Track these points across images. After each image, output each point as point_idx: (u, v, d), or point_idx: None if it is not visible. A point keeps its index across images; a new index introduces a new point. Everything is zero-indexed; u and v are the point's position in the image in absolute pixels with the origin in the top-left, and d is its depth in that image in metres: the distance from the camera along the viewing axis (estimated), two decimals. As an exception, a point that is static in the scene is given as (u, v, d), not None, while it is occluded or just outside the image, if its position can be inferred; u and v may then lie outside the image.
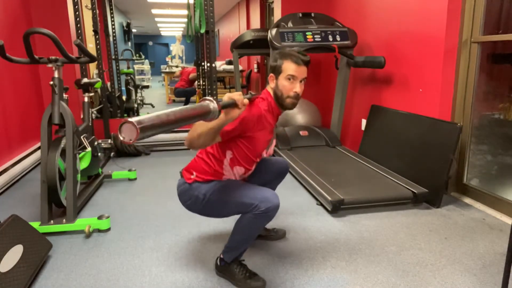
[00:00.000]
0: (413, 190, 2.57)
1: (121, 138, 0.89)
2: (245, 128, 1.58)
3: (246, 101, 1.36)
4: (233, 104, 1.34)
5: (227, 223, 2.30)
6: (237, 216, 1.68)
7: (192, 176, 1.69)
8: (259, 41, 4.33)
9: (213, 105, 1.17)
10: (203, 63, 5.77)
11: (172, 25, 15.04)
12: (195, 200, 1.68)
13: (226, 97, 1.34)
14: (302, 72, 1.65)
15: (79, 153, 2.67)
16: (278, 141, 3.69)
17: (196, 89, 6.78)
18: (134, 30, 14.31)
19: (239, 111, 1.35)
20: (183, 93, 7.11)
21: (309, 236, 2.19)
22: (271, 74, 1.69)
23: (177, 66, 8.57)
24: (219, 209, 1.67)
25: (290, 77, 1.63)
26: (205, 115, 1.16)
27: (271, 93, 1.70)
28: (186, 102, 7.13)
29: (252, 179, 1.87)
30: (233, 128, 1.53)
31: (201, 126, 1.39)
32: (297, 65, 1.63)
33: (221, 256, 1.76)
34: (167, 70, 9.22)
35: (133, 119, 0.89)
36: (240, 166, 1.70)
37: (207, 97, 1.20)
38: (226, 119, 1.36)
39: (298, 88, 1.64)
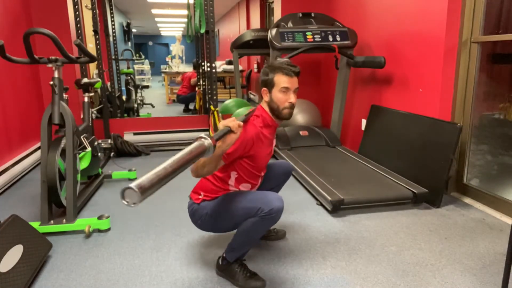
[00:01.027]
0: (413, 190, 2.57)
1: (125, 203, 0.93)
2: (246, 149, 1.62)
3: (241, 124, 1.42)
4: (228, 132, 1.38)
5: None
6: None
7: (200, 197, 1.74)
8: (259, 41, 4.33)
9: (207, 142, 1.21)
10: (203, 63, 5.76)
11: (172, 25, 15.04)
12: (205, 218, 1.72)
13: (221, 125, 1.39)
14: (294, 83, 1.70)
15: (79, 153, 2.67)
16: (278, 141, 3.69)
17: (196, 90, 6.80)
18: (134, 30, 14.30)
19: (236, 136, 1.41)
20: (186, 100, 7.23)
21: (309, 236, 2.19)
22: (264, 88, 1.73)
23: (177, 73, 8.58)
24: (228, 219, 1.68)
25: (283, 89, 1.68)
26: (201, 154, 1.19)
27: (265, 107, 1.74)
28: (186, 107, 7.21)
29: (259, 187, 1.89)
30: (234, 150, 1.57)
31: None
32: (289, 77, 1.68)
33: (224, 255, 1.78)
34: (167, 70, 9.23)
35: (133, 184, 0.92)
36: (246, 183, 1.76)
37: (201, 135, 1.23)
38: (226, 145, 1.41)
39: (292, 98, 1.70)
